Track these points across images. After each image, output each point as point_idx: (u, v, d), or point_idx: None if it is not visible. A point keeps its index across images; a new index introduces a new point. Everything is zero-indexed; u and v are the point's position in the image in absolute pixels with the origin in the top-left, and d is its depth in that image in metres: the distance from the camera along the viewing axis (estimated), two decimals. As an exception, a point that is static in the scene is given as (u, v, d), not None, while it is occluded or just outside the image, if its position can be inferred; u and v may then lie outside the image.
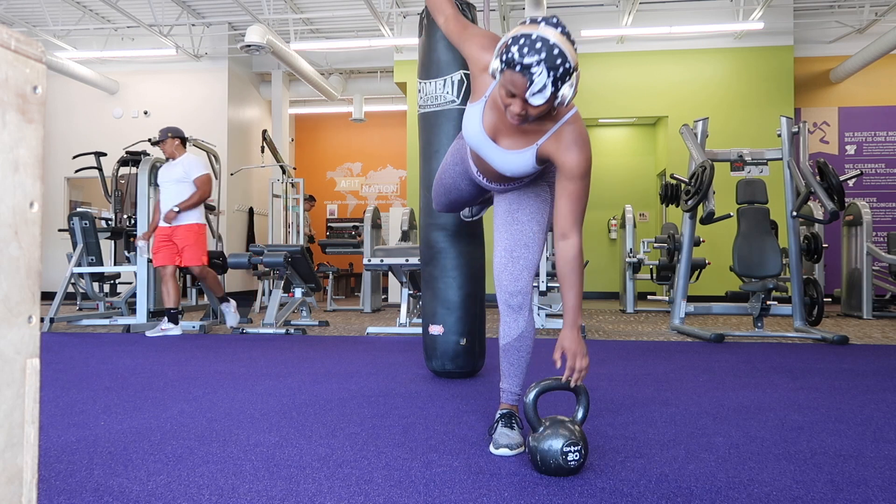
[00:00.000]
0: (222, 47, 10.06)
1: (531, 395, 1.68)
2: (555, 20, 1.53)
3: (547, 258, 5.05)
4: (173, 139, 5.18)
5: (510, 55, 1.51)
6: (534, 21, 1.53)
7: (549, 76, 1.50)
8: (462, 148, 2.00)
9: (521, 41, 1.49)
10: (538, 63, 1.49)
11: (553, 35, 1.50)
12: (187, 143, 5.40)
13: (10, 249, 0.63)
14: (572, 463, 1.61)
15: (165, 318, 5.05)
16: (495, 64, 1.56)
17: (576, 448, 1.61)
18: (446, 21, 1.86)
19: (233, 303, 5.33)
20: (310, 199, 10.47)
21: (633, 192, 10.50)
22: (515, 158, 1.75)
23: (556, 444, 1.61)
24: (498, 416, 1.94)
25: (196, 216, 5.10)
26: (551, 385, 1.70)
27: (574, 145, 1.69)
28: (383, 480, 1.60)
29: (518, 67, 1.50)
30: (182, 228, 5.04)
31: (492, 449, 1.83)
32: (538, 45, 1.49)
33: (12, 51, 0.64)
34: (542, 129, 1.70)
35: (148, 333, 4.96)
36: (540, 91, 1.52)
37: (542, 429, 1.66)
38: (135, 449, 1.87)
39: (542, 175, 1.89)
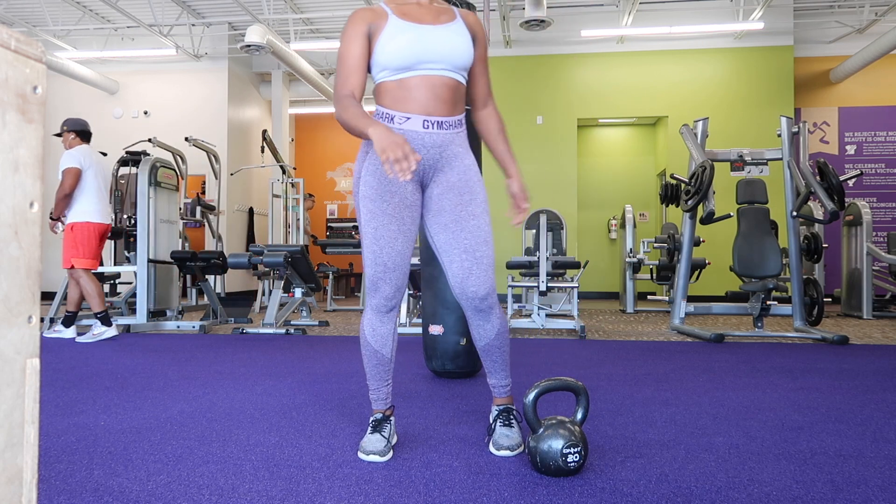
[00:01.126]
0: (222, 47, 10.06)
1: (531, 396, 1.68)
2: None
3: (547, 258, 5.05)
4: (69, 132, 4.86)
5: None
6: None
7: None
8: (382, 191, 1.78)
9: None
10: None
11: None
12: (90, 138, 4.91)
13: (10, 249, 0.63)
14: (572, 464, 1.61)
15: (98, 322, 4.70)
16: None
17: (576, 449, 1.61)
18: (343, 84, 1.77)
19: (109, 330, 4.69)
20: (309, 198, 10.48)
21: (633, 192, 10.49)
22: (455, 28, 1.79)
23: (555, 445, 1.61)
24: (495, 412, 1.91)
25: (74, 214, 4.68)
26: (551, 386, 1.70)
27: (479, 22, 1.89)
28: (383, 480, 1.60)
29: None
30: (66, 227, 4.73)
31: (492, 450, 1.82)
32: None
33: (12, 51, 0.64)
34: (447, 8, 1.85)
35: (79, 339, 4.63)
36: None
37: (541, 430, 1.66)
38: (135, 449, 1.87)
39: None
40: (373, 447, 1.77)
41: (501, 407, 1.91)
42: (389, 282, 1.80)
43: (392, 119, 1.75)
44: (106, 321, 4.71)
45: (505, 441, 1.81)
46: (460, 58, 1.76)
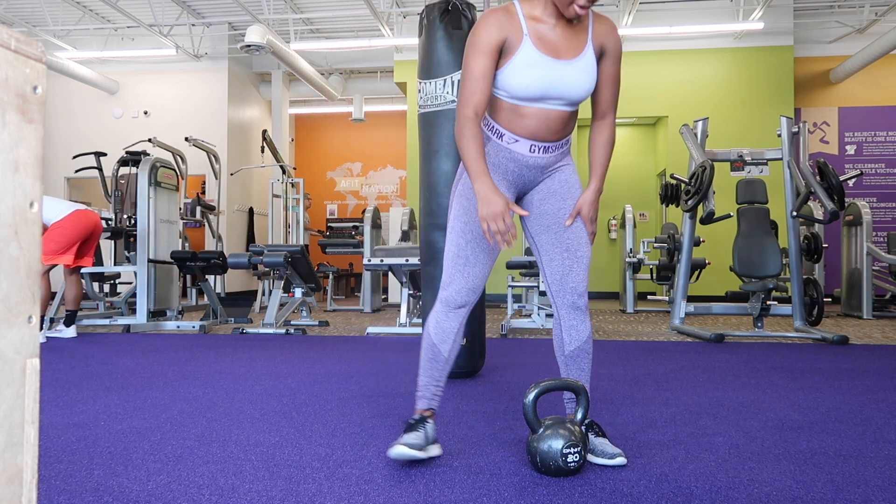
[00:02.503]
0: (222, 47, 10.06)
1: (531, 396, 1.67)
2: None
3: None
4: None
5: None
6: None
7: None
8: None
9: None
10: None
11: None
12: None
13: (10, 249, 0.63)
14: (572, 464, 1.61)
15: (61, 321, 4.81)
16: None
17: (576, 449, 1.61)
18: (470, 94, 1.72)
19: (68, 330, 4.81)
20: (306, 197, 10.50)
21: (633, 192, 10.50)
22: (584, 63, 1.73)
23: (555, 444, 1.61)
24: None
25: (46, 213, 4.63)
26: (551, 386, 1.70)
27: (615, 29, 1.80)
28: (383, 480, 1.60)
29: None
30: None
31: (602, 461, 1.72)
32: None
33: (12, 51, 0.64)
34: (584, 24, 1.76)
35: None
36: None
37: (541, 430, 1.65)
38: (135, 449, 1.87)
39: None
40: (403, 440, 1.69)
41: (588, 421, 1.82)
42: (466, 276, 1.78)
43: (502, 136, 1.78)
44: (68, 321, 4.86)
45: (610, 449, 1.73)
46: (581, 96, 1.76)
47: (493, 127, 1.80)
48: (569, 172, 1.86)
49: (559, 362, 1.86)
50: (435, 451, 1.78)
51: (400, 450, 1.66)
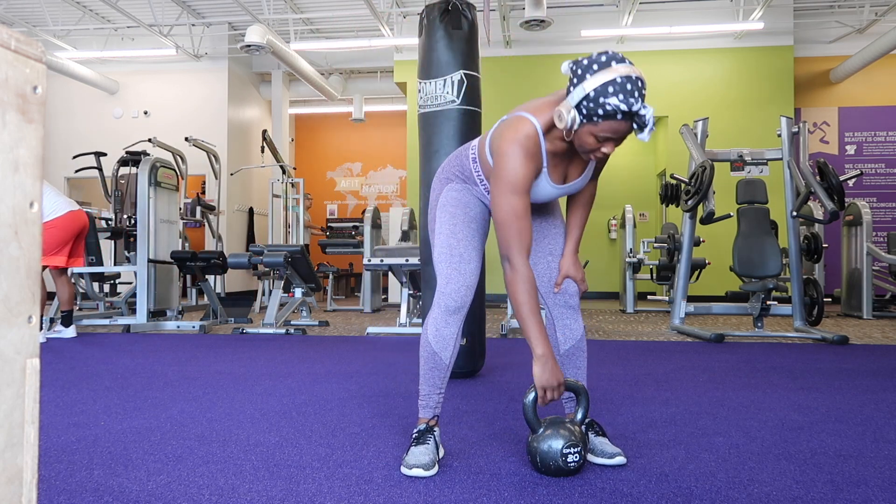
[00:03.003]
0: (222, 47, 10.06)
1: (530, 396, 1.67)
2: (613, 53, 1.50)
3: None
4: None
5: (608, 107, 1.47)
6: (598, 62, 1.50)
7: (649, 109, 1.50)
8: (468, 201, 1.83)
9: (613, 89, 1.46)
10: (642, 105, 1.48)
11: (630, 70, 1.48)
12: None
13: (10, 249, 0.63)
14: (572, 464, 1.61)
15: (59, 321, 4.85)
16: (569, 118, 1.52)
17: (576, 449, 1.61)
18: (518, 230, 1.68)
19: (68, 330, 4.84)
20: (306, 197, 10.51)
21: (633, 192, 10.49)
22: (584, 178, 1.78)
23: (555, 444, 1.61)
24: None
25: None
26: None
27: None
28: (383, 480, 1.60)
29: (620, 116, 1.49)
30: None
31: (601, 460, 1.73)
32: (629, 86, 1.46)
33: (12, 51, 0.64)
34: None
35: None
36: (651, 127, 1.51)
37: (541, 430, 1.65)
38: (135, 449, 1.87)
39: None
40: (416, 460, 1.65)
41: (587, 420, 1.83)
42: (463, 273, 1.76)
43: (478, 185, 1.82)
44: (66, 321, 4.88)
45: (610, 448, 1.74)
46: (575, 194, 1.85)
47: (479, 177, 1.78)
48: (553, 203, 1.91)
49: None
50: (440, 453, 1.78)
51: (416, 472, 1.63)
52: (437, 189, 1.87)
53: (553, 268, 1.84)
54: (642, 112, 1.48)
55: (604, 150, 1.56)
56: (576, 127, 1.53)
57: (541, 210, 1.88)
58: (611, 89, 1.46)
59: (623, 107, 1.46)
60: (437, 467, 1.67)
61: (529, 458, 1.68)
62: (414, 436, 1.74)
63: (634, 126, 1.52)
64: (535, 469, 1.66)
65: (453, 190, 1.84)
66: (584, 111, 1.50)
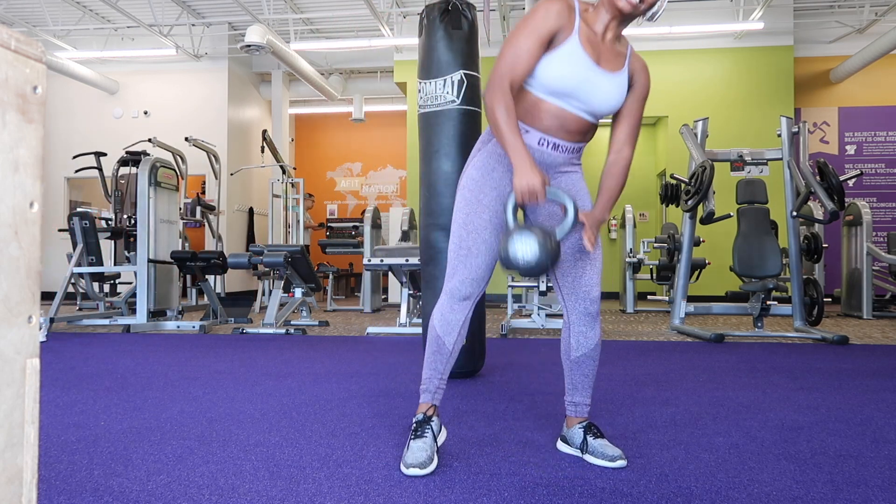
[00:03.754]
0: (222, 47, 10.06)
1: (509, 203, 1.68)
2: None
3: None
4: None
5: None
6: None
7: None
8: (488, 173, 1.80)
9: None
10: None
11: None
12: None
13: (10, 249, 0.63)
14: (522, 261, 1.58)
15: None
16: None
17: (530, 244, 1.58)
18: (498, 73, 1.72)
19: None
20: (308, 197, 10.51)
21: (633, 192, 10.49)
22: (619, 80, 1.74)
23: (518, 238, 1.60)
24: (579, 430, 1.81)
25: None
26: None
27: (646, 69, 1.84)
28: (383, 480, 1.60)
29: None
30: None
31: (601, 462, 1.72)
32: None
33: (12, 51, 0.64)
34: (623, 50, 1.79)
35: None
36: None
37: (514, 227, 1.65)
38: (135, 449, 1.87)
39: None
40: (413, 459, 1.65)
41: (585, 423, 1.82)
42: (469, 267, 1.77)
43: None
44: None
45: (610, 450, 1.72)
46: (604, 111, 1.75)
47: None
48: (576, 178, 1.84)
49: (564, 365, 1.86)
50: (441, 439, 1.82)
51: (413, 471, 1.64)
52: (473, 153, 1.85)
53: (580, 268, 1.77)
54: None
55: None
56: None
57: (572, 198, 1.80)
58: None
59: None
60: (435, 462, 1.69)
61: (500, 256, 1.64)
62: (413, 427, 1.78)
63: None
64: (503, 264, 1.64)
65: (477, 166, 1.80)
66: None
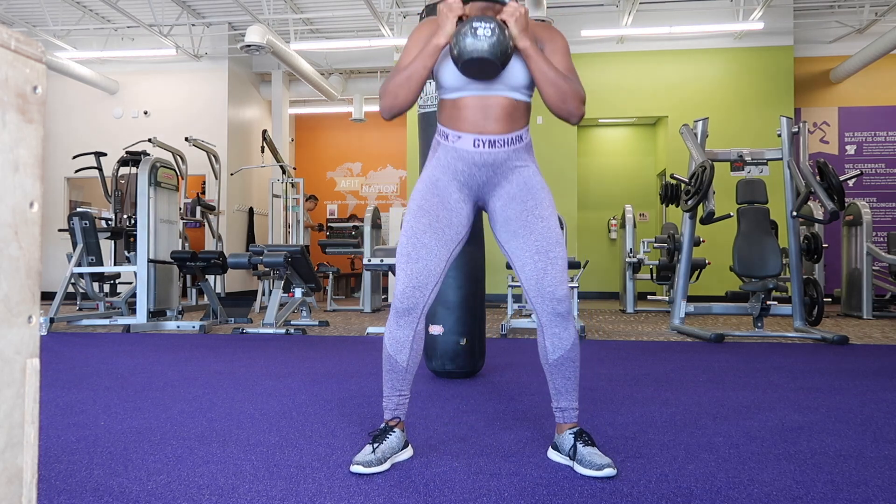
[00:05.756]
0: (222, 47, 10.06)
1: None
2: None
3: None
4: None
5: None
6: None
7: None
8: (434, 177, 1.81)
9: None
10: None
11: None
12: None
13: (10, 249, 0.63)
14: (483, 38, 1.60)
15: None
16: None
17: (486, 23, 1.60)
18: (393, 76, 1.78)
19: None
20: (312, 199, 10.50)
21: (633, 192, 10.49)
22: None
23: (469, 23, 1.63)
24: (570, 437, 1.75)
25: None
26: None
27: (554, 30, 1.84)
28: (383, 480, 1.61)
29: None
30: None
31: (589, 472, 1.64)
32: None
33: (12, 51, 0.64)
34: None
35: None
36: None
37: (465, 22, 1.66)
38: (135, 449, 1.87)
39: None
40: (360, 457, 1.68)
41: (575, 430, 1.75)
42: (409, 273, 1.72)
43: (447, 136, 1.79)
44: None
45: (599, 459, 1.65)
46: (514, 78, 1.73)
47: (440, 130, 1.81)
48: (528, 174, 1.79)
49: (545, 370, 1.79)
50: (405, 455, 1.78)
51: (356, 468, 1.65)
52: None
53: (540, 269, 1.71)
54: None
55: None
56: None
57: (524, 199, 1.76)
58: None
59: None
60: (385, 465, 1.68)
61: (455, 54, 1.65)
62: (372, 434, 1.77)
63: None
64: (455, 60, 1.65)
65: (423, 179, 1.83)
66: None
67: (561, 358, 1.74)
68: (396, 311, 1.75)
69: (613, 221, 10.34)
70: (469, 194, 1.81)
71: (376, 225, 7.68)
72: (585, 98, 1.78)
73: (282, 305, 6.14)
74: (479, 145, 1.74)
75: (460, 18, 1.70)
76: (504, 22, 1.67)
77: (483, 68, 1.64)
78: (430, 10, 3.07)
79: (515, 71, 1.72)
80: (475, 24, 1.61)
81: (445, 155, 1.79)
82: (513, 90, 1.74)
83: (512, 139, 1.77)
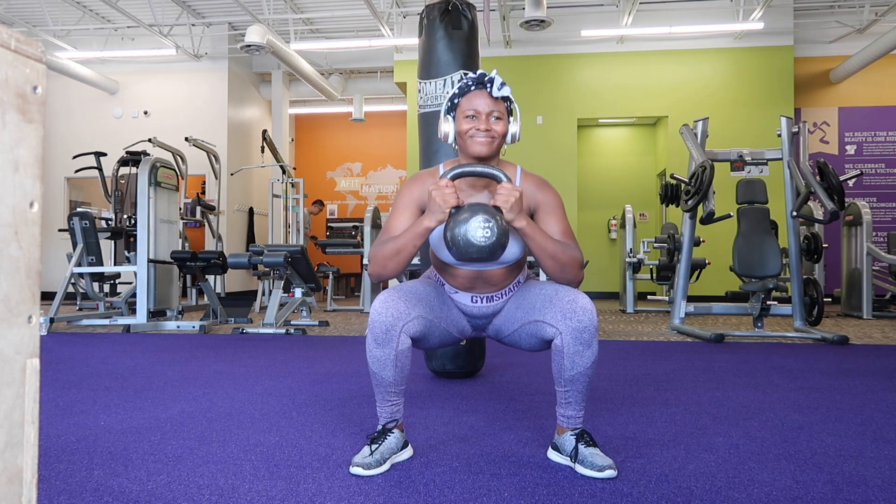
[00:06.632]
0: (222, 47, 10.06)
1: (449, 175, 1.68)
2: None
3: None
4: None
5: (462, 85, 1.76)
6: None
7: (501, 79, 1.74)
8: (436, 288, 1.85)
9: (462, 75, 1.76)
10: (489, 73, 1.75)
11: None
12: None
13: (10, 249, 0.63)
14: (482, 240, 1.56)
15: None
16: (446, 126, 1.78)
17: (487, 224, 1.56)
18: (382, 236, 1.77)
19: None
20: (318, 203, 10.47)
21: (633, 192, 10.50)
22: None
23: (466, 221, 1.58)
24: (571, 438, 1.74)
25: None
26: (470, 172, 1.68)
27: (545, 184, 1.83)
28: (383, 480, 1.61)
29: (473, 84, 1.74)
30: None
31: (590, 472, 1.63)
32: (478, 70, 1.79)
33: (12, 51, 0.64)
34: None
35: None
36: (502, 85, 1.72)
37: (459, 211, 1.62)
38: (135, 449, 1.87)
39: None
40: (359, 459, 1.67)
41: (577, 431, 1.74)
42: (389, 294, 1.74)
43: (443, 285, 1.85)
44: None
45: (600, 460, 1.64)
46: (509, 255, 1.74)
47: (436, 276, 1.87)
48: (525, 288, 1.82)
49: (556, 383, 1.73)
50: (405, 455, 1.78)
51: (356, 470, 1.65)
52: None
53: (552, 294, 1.71)
54: (490, 76, 1.73)
55: (477, 126, 1.73)
56: (452, 123, 1.78)
57: (519, 304, 1.80)
58: (462, 75, 1.86)
59: (469, 81, 1.75)
60: (384, 467, 1.68)
61: (452, 244, 1.61)
62: (370, 436, 1.76)
63: (489, 86, 1.72)
64: (455, 254, 1.61)
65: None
66: (446, 108, 1.79)
67: (578, 374, 1.68)
68: (373, 332, 1.68)
69: (613, 221, 10.34)
70: (470, 322, 1.90)
71: (376, 225, 7.68)
72: (582, 261, 1.74)
73: (282, 305, 6.14)
74: (476, 301, 1.84)
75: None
76: (498, 208, 1.62)
77: (480, 260, 1.62)
78: (430, 11, 3.07)
79: (511, 249, 1.74)
80: (473, 226, 1.56)
81: (444, 292, 1.86)
82: (507, 263, 1.79)
83: (509, 289, 1.84)
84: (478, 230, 1.56)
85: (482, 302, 1.83)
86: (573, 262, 1.70)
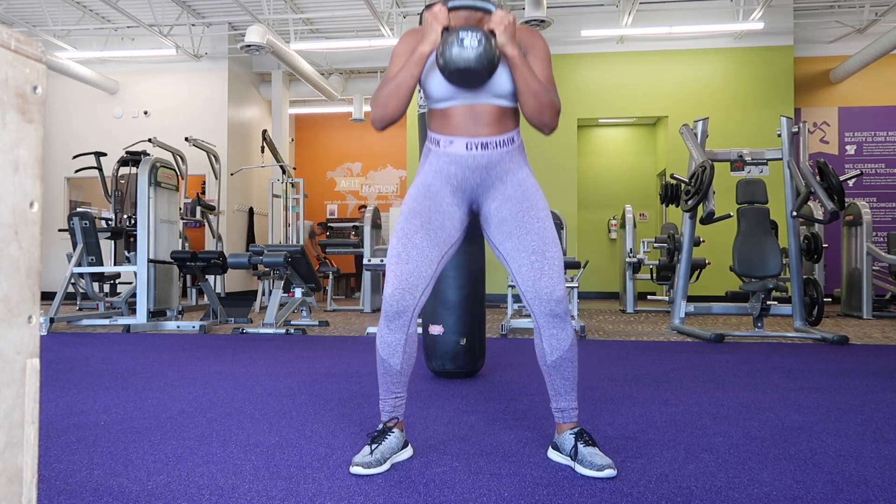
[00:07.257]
0: (222, 47, 10.06)
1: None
2: None
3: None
4: None
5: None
6: None
7: None
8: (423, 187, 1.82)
9: None
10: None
11: None
12: None
13: (10, 249, 0.63)
14: (470, 49, 1.60)
15: None
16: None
17: (472, 33, 1.61)
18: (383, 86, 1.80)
19: None
20: (322, 226, 10.55)
21: (633, 192, 10.49)
22: None
23: (456, 32, 1.63)
24: (570, 437, 1.74)
25: None
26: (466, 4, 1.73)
27: (532, 31, 1.86)
28: (383, 480, 1.61)
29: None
30: None
31: (590, 472, 1.63)
32: None
33: (12, 51, 0.64)
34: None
35: None
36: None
37: (452, 30, 1.67)
38: (135, 449, 1.87)
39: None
40: (360, 458, 1.68)
41: (576, 430, 1.75)
42: (399, 275, 1.71)
43: (438, 143, 1.80)
44: None
45: (599, 460, 1.64)
46: (499, 87, 1.74)
47: (431, 137, 1.83)
48: (522, 176, 1.80)
49: (543, 371, 1.79)
50: (405, 454, 1.78)
51: (356, 469, 1.65)
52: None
53: (537, 269, 1.70)
54: None
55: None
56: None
57: (519, 200, 1.76)
58: None
59: None
60: (384, 466, 1.68)
61: (442, 63, 1.66)
62: (370, 435, 1.76)
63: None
64: (441, 70, 1.67)
65: (416, 184, 1.83)
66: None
67: (559, 359, 1.74)
68: (386, 315, 1.73)
69: (613, 221, 10.34)
70: (462, 198, 1.81)
71: (376, 225, 7.68)
72: (560, 110, 1.79)
73: (282, 305, 6.14)
74: (471, 148, 1.76)
75: (446, 28, 1.71)
76: (492, 31, 1.68)
77: (470, 78, 1.65)
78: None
79: (501, 80, 1.74)
80: (461, 35, 1.62)
81: (437, 160, 1.80)
82: (499, 98, 1.76)
83: (504, 141, 1.78)
84: (466, 38, 1.62)
85: (477, 149, 1.75)
86: (552, 106, 1.75)
